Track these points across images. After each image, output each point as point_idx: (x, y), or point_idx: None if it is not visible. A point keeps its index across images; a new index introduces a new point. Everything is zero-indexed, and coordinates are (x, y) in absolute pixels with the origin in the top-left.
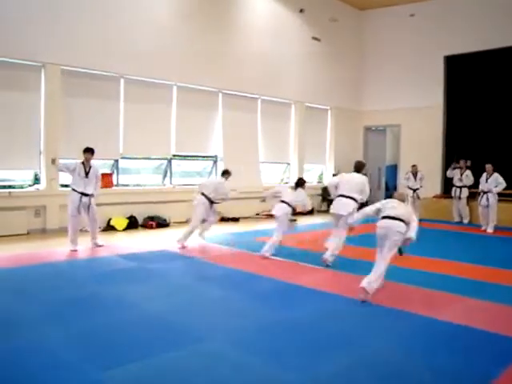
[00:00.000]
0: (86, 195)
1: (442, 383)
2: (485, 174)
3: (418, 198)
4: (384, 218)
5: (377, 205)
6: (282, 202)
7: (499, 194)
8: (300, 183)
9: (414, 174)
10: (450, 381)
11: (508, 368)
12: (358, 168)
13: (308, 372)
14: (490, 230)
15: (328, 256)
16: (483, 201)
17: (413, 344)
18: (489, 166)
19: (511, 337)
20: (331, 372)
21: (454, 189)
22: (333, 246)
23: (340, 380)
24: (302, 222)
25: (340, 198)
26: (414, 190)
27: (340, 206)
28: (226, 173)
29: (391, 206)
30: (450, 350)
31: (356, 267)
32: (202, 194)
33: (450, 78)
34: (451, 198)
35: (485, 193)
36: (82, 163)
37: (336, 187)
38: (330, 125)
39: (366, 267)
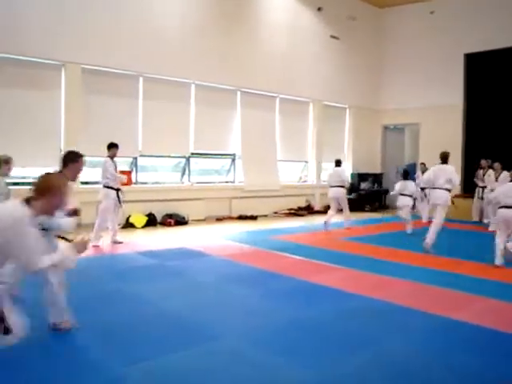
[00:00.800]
0: (119, 190)
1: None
2: (493, 173)
3: (426, 196)
4: (501, 207)
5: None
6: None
7: None
8: (406, 173)
9: (423, 173)
10: (462, 381)
11: None
12: (445, 158)
13: (325, 371)
14: None
15: (428, 240)
16: None
17: (430, 344)
18: (497, 165)
19: None
20: (348, 372)
21: (477, 189)
22: (431, 231)
23: (356, 380)
24: (319, 220)
25: (434, 189)
26: (422, 189)
27: (436, 196)
28: (341, 162)
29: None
30: (468, 351)
31: (376, 267)
32: (333, 186)
33: (470, 76)
34: (471, 197)
35: None
36: (110, 159)
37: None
38: (348, 123)
39: (385, 267)
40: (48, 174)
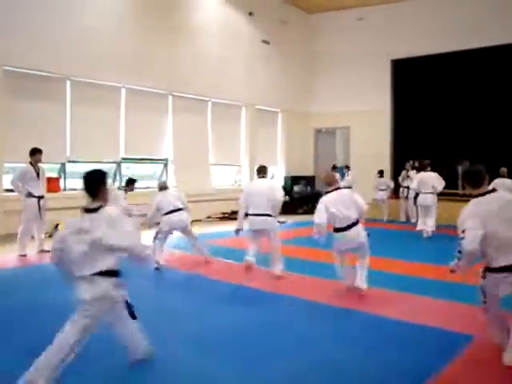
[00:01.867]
0: (42, 197)
1: (387, 379)
2: (414, 173)
3: None
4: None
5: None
6: None
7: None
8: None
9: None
10: (396, 376)
11: (451, 360)
12: (425, 166)
13: (258, 376)
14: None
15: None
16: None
17: (360, 342)
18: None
19: (453, 331)
20: (276, 377)
21: (401, 189)
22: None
23: (291, 382)
24: None
25: (423, 194)
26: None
27: (426, 199)
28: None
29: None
30: (396, 346)
31: (304, 268)
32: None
33: (397, 82)
34: (399, 198)
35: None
36: (31, 165)
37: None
38: (281, 127)
39: (315, 268)
40: (328, 172)
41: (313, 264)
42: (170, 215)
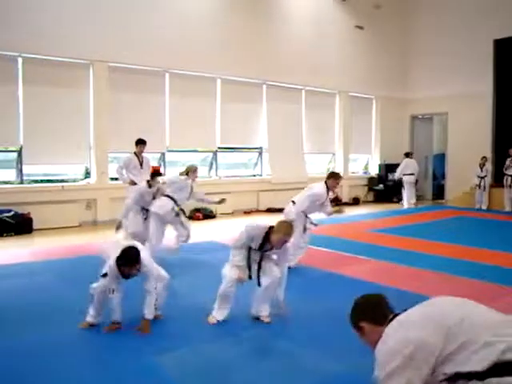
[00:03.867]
0: None
1: None
2: None
3: None
4: None
5: None
6: None
7: None
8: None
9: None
10: None
11: None
12: None
13: (348, 362)
14: None
15: None
16: None
17: None
18: None
19: None
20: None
21: (505, 177)
22: None
23: None
24: (346, 212)
25: None
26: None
27: None
28: (410, 154)
29: None
30: None
31: (406, 258)
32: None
33: (500, 63)
34: (502, 187)
35: None
36: (135, 155)
37: None
38: (375, 114)
39: (416, 258)
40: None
41: (404, 253)
42: None
